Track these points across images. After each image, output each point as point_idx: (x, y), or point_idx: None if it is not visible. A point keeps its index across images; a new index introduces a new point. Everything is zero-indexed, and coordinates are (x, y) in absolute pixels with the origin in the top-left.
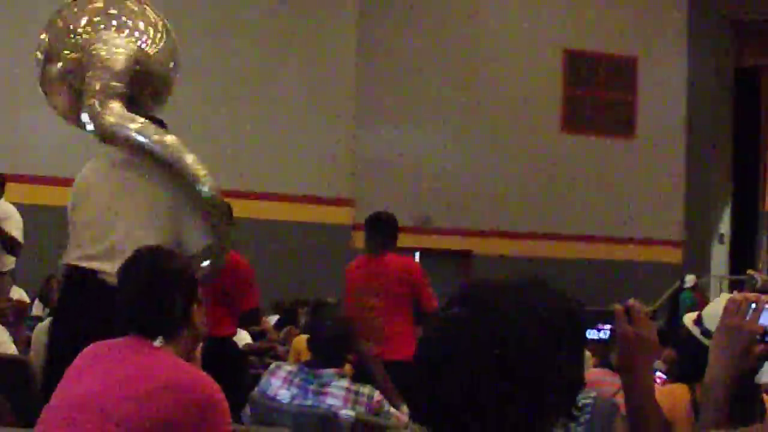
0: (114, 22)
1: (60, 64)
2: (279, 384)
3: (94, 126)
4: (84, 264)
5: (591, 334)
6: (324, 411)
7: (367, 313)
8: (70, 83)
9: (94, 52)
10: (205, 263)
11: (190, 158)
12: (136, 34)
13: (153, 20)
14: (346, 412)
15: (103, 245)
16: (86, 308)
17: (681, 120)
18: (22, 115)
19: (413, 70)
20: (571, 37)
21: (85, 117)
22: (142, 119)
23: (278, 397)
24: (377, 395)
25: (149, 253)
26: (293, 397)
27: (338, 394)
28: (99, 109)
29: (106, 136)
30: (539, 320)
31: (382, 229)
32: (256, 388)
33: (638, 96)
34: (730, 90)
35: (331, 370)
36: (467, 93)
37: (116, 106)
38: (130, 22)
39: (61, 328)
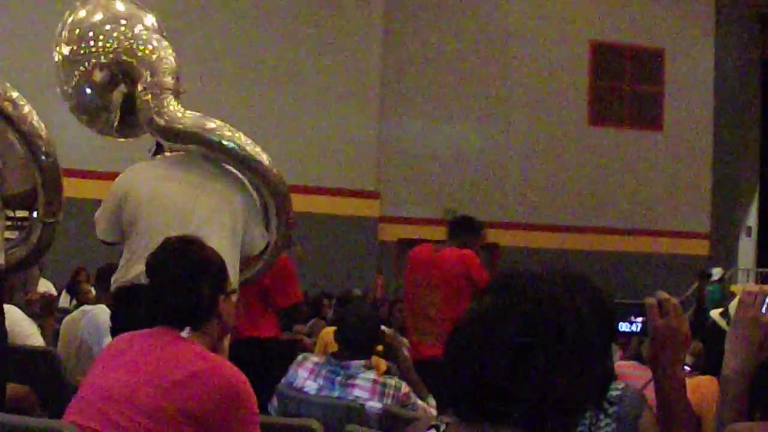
0: (154, 33)
1: (102, 71)
2: (306, 375)
3: (161, 128)
4: None
5: (623, 326)
6: (350, 403)
7: (427, 309)
8: (115, 88)
9: (140, 54)
10: (260, 263)
11: (264, 155)
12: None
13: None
14: (373, 404)
15: None
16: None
17: (708, 112)
18: (51, 109)
19: (439, 62)
20: (598, 29)
21: (151, 120)
22: (203, 116)
23: (305, 389)
24: (404, 387)
25: (178, 242)
26: (320, 389)
27: (365, 386)
28: (159, 109)
29: (169, 137)
30: (572, 310)
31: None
32: (283, 380)
33: (665, 88)
34: (758, 82)
35: (358, 362)
36: (494, 85)
37: (174, 105)
38: (141, 20)
39: None
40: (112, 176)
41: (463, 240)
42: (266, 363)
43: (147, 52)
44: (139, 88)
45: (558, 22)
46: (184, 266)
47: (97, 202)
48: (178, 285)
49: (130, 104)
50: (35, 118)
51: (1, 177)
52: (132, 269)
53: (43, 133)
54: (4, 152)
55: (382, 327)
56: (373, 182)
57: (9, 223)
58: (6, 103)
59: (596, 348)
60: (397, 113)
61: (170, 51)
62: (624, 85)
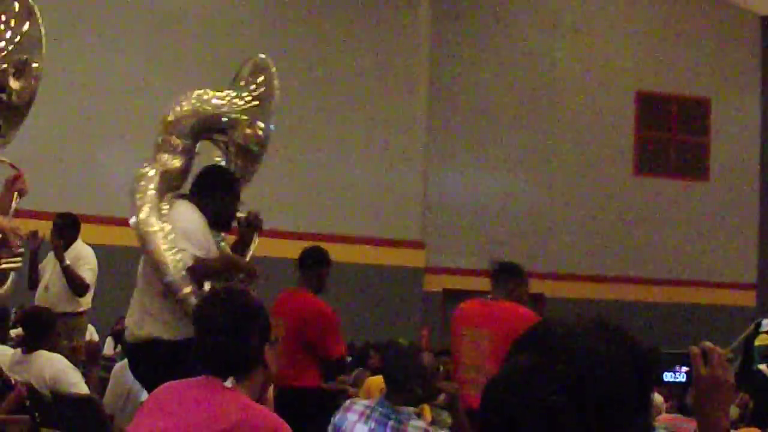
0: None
1: None
2: (355, 419)
3: None
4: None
5: (668, 376)
6: None
7: (478, 360)
8: None
9: None
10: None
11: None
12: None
13: None
14: None
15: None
16: None
17: (754, 161)
18: (98, 156)
19: (485, 111)
20: (644, 78)
21: None
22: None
23: None
24: None
25: (226, 292)
26: None
27: None
28: None
29: None
30: (607, 364)
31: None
32: (330, 426)
33: (711, 138)
34: None
35: (410, 409)
36: (539, 135)
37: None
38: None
39: None
40: None
41: (510, 288)
42: (309, 413)
43: None
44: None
45: (604, 71)
46: (233, 315)
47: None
48: (228, 335)
49: None
50: None
51: None
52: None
53: None
54: None
55: (445, 381)
56: (418, 232)
57: None
58: None
59: (633, 401)
60: (443, 163)
61: None
62: (670, 135)
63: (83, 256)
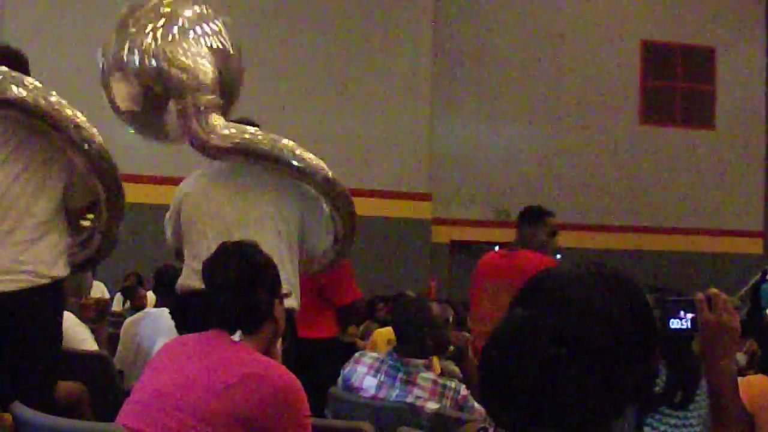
0: (183, 28)
1: (139, 75)
2: (365, 371)
3: (202, 148)
4: None
5: (674, 323)
6: (408, 404)
7: (496, 313)
8: (151, 96)
9: (178, 63)
10: (331, 256)
11: (308, 154)
12: (208, 37)
13: (216, 21)
14: (431, 405)
15: None
16: None
17: (760, 109)
18: (104, 113)
19: (490, 63)
20: (649, 28)
21: (191, 140)
22: (250, 127)
23: (364, 385)
24: (463, 390)
25: (235, 247)
26: (380, 385)
27: (425, 386)
28: (204, 128)
29: (218, 154)
30: (604, 313)
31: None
32: (339, 378)
33: (717, 86)
34: None
35: (419, 361)
36: (545, 85)
37: (219, 121)
38: (199, 29)
39: None
40: (166, 181)
41: (527, 235)
42: (324, 363)
43: (183, 64)
44: (178, 107)
45: (609, 21)
46: (242, 271)
47: (152, 207)
48: (236, 289)
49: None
50: (98, 138)
51: (67, 193)
52: (185, 275)
53: (105, 153)
54: (68, 170)
55: (458, 332)
56: (424, 184)
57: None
58: (72, 128)
59: (633, 349)
60: (448, 115)
61: (205, 55)
62: (675, 84)
63: None
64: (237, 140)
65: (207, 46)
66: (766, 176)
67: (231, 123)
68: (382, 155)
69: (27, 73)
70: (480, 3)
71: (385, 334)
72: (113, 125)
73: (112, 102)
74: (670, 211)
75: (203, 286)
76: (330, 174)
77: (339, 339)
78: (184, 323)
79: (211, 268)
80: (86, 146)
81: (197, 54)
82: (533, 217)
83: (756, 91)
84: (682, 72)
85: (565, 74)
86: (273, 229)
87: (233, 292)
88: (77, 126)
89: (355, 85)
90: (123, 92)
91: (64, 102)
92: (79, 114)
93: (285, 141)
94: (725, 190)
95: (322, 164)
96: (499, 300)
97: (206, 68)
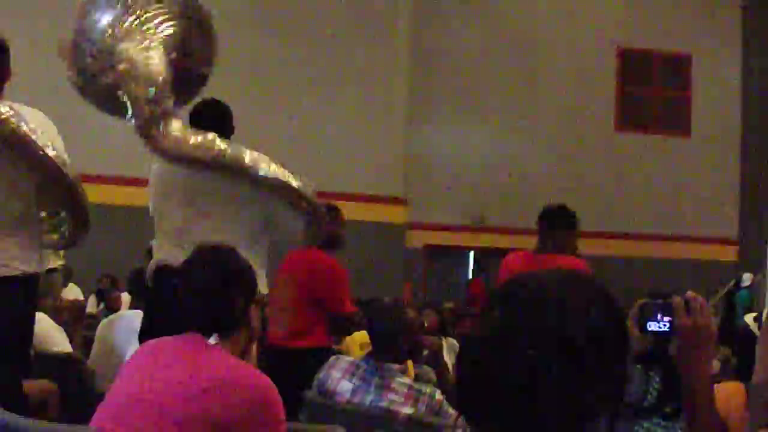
0: (139, 24)
1: (94, 74)
2: (339, 376)
3: (154, 151)
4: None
5: (651, 326)
6: (383, 409)
7: None
8: (108, 92)
9: (132, 61)
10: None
11: (266, 165)
12: (164, 33)
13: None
14: (406, 410)
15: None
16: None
17: (736, 117)
18: (79, 114)
19: (466, 68)
20: (626, 34)
21: (142, 140)
22: (202, 134)
23: (339, 389)
24: (438, 395)
25: (212, 251)
26: (355, 390)
27: (400, 390)
28: (154, 133)
29: (169, 160)
30: (581, 317)
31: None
32: (313, 384)
33: (693, 93)
34: None
35: (395, 366)
36: (521, 91)
37: (175, 125)
38: (155, 21)
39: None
40: (138, 182)
41: (565, 235)
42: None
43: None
44: (135, 113)
45: (585, 27)
46: (218, 276)
47: (125, 208)
48: (214, 294)
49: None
50: (50, 145)
51: (35, 198)
52: (155, 250)
53: (61, 161)
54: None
55: (429, 336)
56: (400, 189)
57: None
58: (21, 136)
59: (610, 353)
60: (424, 120)
61: (159, 58)
62: (651, 91)
63: None
64: (189, 149)
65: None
66: (741, 184)
67: (189, 131)
68: (357, 159)
69: (7, 60)
70: (456, 8)
71: (357, 338)
72: (89, 126)
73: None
74: (646, 217)
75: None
76: (292, 184)
77: (331, 348)
78: (156, 301)
79: (187, 272)
80: (44, 158)
81: (148, 47)
82: (570, 222)
83: (732, 98)
84: (658, 79)
85: (541, 80)
86: (233, 216)
87: (210, 297)
88: (35, 141)
89: (330, 89)
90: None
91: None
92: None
93: (241, 150)
94: (700, 197)
95: (283, 174)
96: None
97: (156, 63)
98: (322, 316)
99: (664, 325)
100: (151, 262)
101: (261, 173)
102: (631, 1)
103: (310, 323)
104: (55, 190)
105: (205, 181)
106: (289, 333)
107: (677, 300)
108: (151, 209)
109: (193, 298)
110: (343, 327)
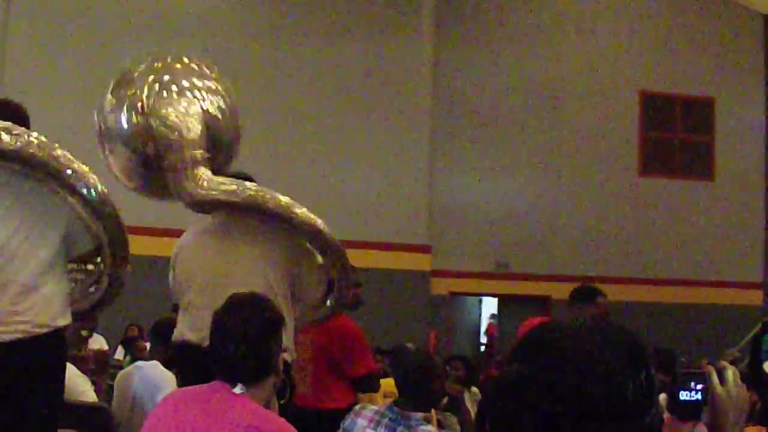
0: (175, 87)
1: (131, 137)
2: (365, 424)
3: (190, 202)
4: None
5: (683, 395)
6: None
7: None
8: (144, 157)
9: (166, 121)
10: (328, 303)
11: (298, 206)
12: (200, 95)
13: (212, 79)
14: None
15: None
16: None
17: (759, 160)
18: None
19: (489, 114)
20: (648, 79)
21: (178, 194)
22: (237, 180)
23: None
24: None
25: (246, 300)
26: None
27: None
28: (190, 182)
29: (206, 207)
30: (601, 369)
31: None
32: (339, 431)
33: (716, 137)
34: None
35: (419, 414)
36: (544, 137)
37: (205, 173)
38: (191, 85)
39: None
40: (167, 233)
41: (579, 309)
42: None
43: (170, 122)
44: (166, 163)
45: (608, 73)
46: (255, 324)
47: (153, 259)
48: (248, 343)
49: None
50: (99, 184)
51: (69, 241)
52: (178, 327)
53: (106, 198)
54: (67, 219)
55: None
56: (424, 236)
57: (80, 276)
58: (72, 176)
59: (633, 401)
60: (448, 167)
61: (194, 114)
62: (674, 135)
63: None
64: (222, 191)
65: (198, 105)
66: (766, 227)
67: (219, 177)
68: (382, 207)
69: (28, 127)
70: (479, 56)
71: (382, 386)
72: (112, 179)
73: (109, 167)
74: (670, 262)
75: (194, 339)
76: (320, 226)
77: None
78: (180, 375)
79: (224, 318)
80: (85, 192)
81: (185, 113)
82: (585, 296)
83: (755, 142)
84: (681, 123)
85: (564, 126)
86: (262, 282)
87: (249, 344)
88: (77, 173)
89: (355, 138)
90: (118, 165)
91: (68, 154)
92: (79, 163)
93: (273, 193)
94: (725, 242)
95: (312, 217)
96: None
97: (192, 125)
98: (341, 378)
99: (697, 394)
100: (175, 331)
101: (289, 210)
102: (653, 46)
103: (329, 385)
104: (95, 223)
105: (240, 241)
106: (312, 396)
107: (710, 369)
108: (178, 287)
109: (230, 343)
110: (364, 388)
